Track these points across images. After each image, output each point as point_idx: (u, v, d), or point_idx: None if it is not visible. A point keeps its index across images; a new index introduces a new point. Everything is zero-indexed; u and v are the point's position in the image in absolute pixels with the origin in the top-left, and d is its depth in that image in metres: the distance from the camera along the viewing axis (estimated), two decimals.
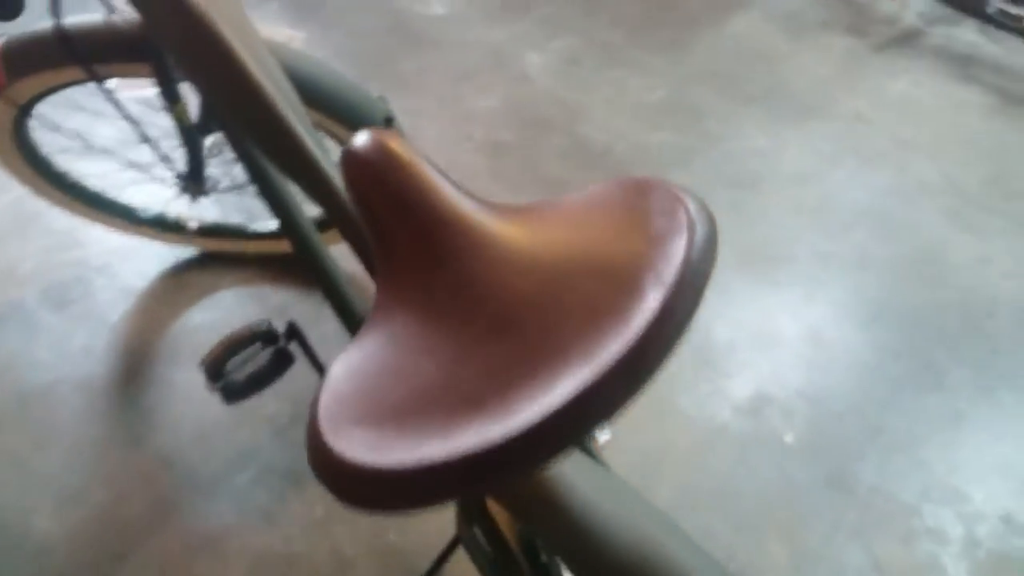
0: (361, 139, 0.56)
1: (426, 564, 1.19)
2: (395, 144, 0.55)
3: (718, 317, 1.62)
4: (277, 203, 0.94)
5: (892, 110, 2.20)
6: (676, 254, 0.47)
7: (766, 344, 1.57)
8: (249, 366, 0.93)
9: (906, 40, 2.48)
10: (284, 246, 1.61)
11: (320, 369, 1.02)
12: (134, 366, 1.42)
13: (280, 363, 0.96)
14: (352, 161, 0.55)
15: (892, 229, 1.84)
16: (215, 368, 0.91)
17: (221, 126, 0.95)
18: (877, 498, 1.32)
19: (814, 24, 2.53)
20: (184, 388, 1.39)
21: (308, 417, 0.47)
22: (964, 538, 1.28)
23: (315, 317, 1.54)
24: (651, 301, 0.44)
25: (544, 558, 0.98)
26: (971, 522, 1.30)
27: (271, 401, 1.38)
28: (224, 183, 1.45)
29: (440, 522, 1.24)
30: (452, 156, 1.96)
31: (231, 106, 0.77)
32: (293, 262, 1.63)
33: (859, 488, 1.34)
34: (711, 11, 2.57)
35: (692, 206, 0.50)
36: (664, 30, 2.47)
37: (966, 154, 2.07)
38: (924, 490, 1.34)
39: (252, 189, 1.50)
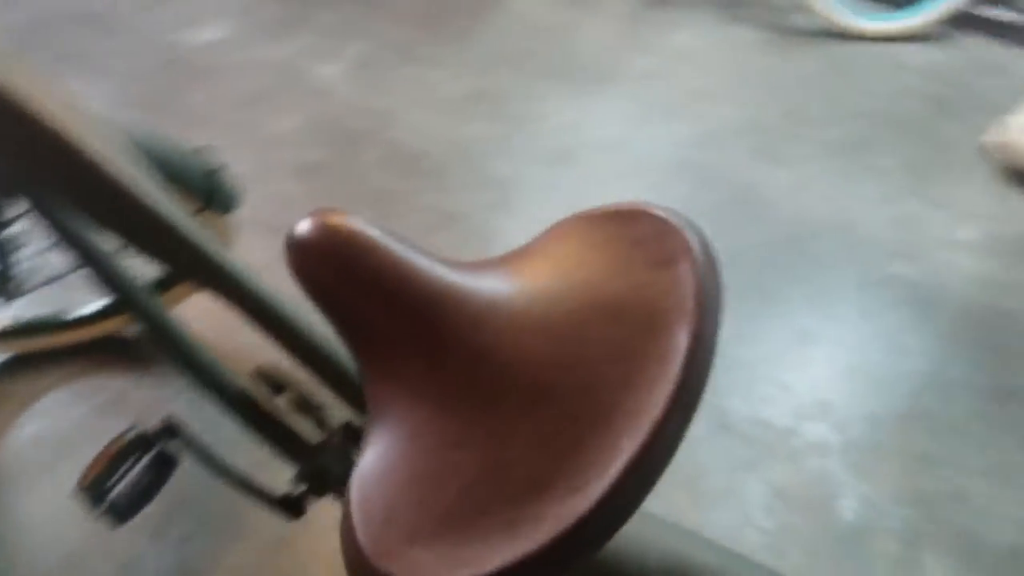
0: (304, 228, 0.48)
1: None
2: (345, 224, 0.48)
3: None
4: (112, 279, 0.84)
5: (680, 62, 2.32)
6: (686, 276, 0.45)
7: None
8: (131, 480, 0.85)
9: None
10: (109, 326, 1.46)
11: (212, 464, 0.94)
12: None
13: (164, 467, 0.88)
14: (302, 255, 0.48)
15: (708, 177, 1.94)
16: (95, 491, 0.82)
17: (34, 210, 0.83)
18: (757, 429, 1.39)
19: None
20: (36, 513, 1.23)
21: (346, 552, 0.41)
22: (842, 445, 1.37)
23: (155, 399, 1.41)
24: (682, 333, 0.42)
25: None
26: (843, 429, 1.39)
27: None
28: (35, 278, 1.29)
29: None
30: (266, 187, 1.85)
31: (65, 187, 0.67)
32: (111, 346, 1.49)
33: (738, 424, 1.40)
34: None
35: (675, 220, 0.47)
36: (449, 20, 2.46)
37: (757, 92, 2.21)
38: (795, 410, 1.42)
39: (66, 279, 1.34)
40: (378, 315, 0.46)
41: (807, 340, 1.55)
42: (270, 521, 1.24)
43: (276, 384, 0.94)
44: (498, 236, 1.74)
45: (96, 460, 0.84)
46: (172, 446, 0.90)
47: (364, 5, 2.52)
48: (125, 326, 1.48)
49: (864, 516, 1.26)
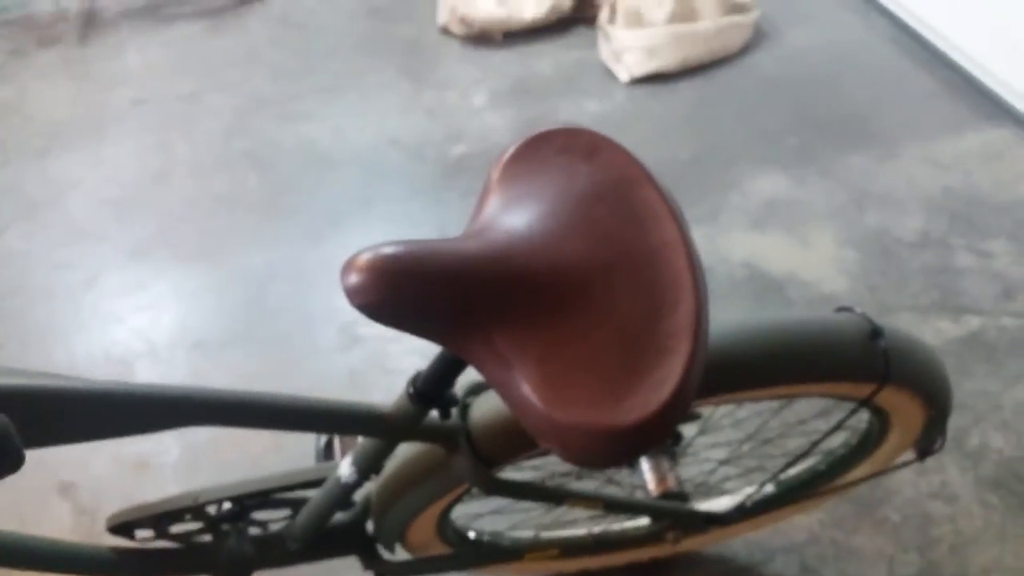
0: (354, 274, 0.52)
1: None
2: (384, 252, 0.52)
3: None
4: None
5: (155, 79, 2.27)
6: (614, 152, 0.61)
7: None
8: None
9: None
10: None
11: None
12: None
13: None
14: (366, 292, 0.52)
15: (265, 156, 2.02)
16: None
17: None
18: None
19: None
20: None
21: (550, 431, 0.53)
22: None
23: None
24: (647, 182, 0.60)
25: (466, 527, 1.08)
26: None
27: None
28: None
29: None
30: None
31: None
32: None
33: None
34: None
35: (569, 127, 0.64)
36: None
37: (236, 72, 2.27)
38: None
39: None
40: (457, 299, 0.54)
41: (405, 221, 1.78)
42: None
43: (129, 525, 0.90)
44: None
45: None
46: None
47: None
48: None
49: None
